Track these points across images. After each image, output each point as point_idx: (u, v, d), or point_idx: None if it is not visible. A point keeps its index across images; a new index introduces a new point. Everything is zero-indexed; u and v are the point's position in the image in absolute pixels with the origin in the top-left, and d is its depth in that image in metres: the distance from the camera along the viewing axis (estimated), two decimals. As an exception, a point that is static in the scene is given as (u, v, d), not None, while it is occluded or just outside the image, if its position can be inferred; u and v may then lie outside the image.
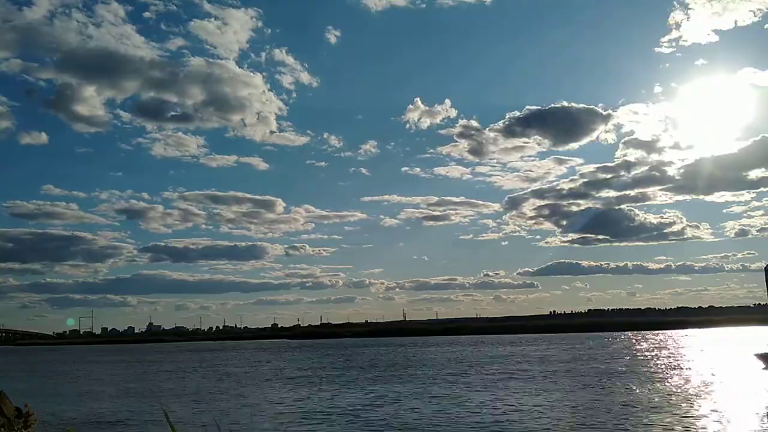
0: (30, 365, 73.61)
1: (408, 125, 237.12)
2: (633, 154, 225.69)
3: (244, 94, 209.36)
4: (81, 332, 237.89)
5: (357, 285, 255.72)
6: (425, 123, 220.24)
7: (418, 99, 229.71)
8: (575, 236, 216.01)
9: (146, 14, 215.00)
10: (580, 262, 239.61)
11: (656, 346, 74.09)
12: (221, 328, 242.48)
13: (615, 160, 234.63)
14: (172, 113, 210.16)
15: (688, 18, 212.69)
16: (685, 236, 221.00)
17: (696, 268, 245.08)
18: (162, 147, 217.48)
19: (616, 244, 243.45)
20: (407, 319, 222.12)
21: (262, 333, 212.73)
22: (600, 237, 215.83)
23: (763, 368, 38.48)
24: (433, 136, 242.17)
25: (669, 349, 66.72)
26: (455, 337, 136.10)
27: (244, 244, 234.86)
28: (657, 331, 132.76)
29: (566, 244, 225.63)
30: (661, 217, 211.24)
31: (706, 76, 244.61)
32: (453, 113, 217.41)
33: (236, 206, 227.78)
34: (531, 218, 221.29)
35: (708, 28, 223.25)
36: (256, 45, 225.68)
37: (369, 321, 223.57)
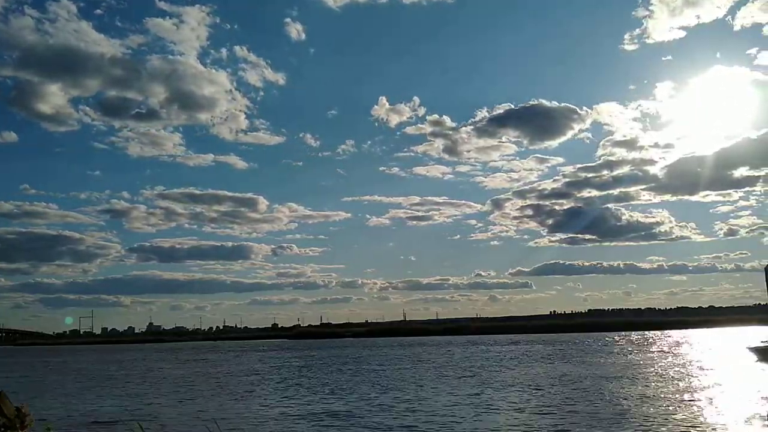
0: (80, 366, 73.01)
1: (377, 124, 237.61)
2: (614, 153, 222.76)
3: (209, 92, 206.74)
4: (81, 332, 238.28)
5: (350, 285, 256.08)
6: (394, 120, 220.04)
7: (383, 98, 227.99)
8: (563, 236, 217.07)
9: (97, 11, 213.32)
10: (571, 262, 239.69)
11: (667, 346, 73.79)
12: (221, 328, 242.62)
13: (596, 159, 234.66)
14: (137, 111, 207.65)
15: (651, 14, 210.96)
16: (673, 236, 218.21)
17: (690, 267, 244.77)
18: (138, 146, 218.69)
19: (606, 244, 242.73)
20: (407, 319, 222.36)
21: (263, 333, 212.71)
22: (588, 237, 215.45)
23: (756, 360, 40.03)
24: (407, 135, 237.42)
25: (680, 349, 66.44)
26: (460, 337, 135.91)
27: (230, 244, 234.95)
28: (659, 331, 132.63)
29: (554, 244, 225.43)
30: (647, 216, 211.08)
31: (677, 74, 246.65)
32: (421, 111, 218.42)
33: (217, 205, 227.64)
34: (515, 218, 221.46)
35: (671, 25, 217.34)
36: (216, 42, 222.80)
37: (369, 321, 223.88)
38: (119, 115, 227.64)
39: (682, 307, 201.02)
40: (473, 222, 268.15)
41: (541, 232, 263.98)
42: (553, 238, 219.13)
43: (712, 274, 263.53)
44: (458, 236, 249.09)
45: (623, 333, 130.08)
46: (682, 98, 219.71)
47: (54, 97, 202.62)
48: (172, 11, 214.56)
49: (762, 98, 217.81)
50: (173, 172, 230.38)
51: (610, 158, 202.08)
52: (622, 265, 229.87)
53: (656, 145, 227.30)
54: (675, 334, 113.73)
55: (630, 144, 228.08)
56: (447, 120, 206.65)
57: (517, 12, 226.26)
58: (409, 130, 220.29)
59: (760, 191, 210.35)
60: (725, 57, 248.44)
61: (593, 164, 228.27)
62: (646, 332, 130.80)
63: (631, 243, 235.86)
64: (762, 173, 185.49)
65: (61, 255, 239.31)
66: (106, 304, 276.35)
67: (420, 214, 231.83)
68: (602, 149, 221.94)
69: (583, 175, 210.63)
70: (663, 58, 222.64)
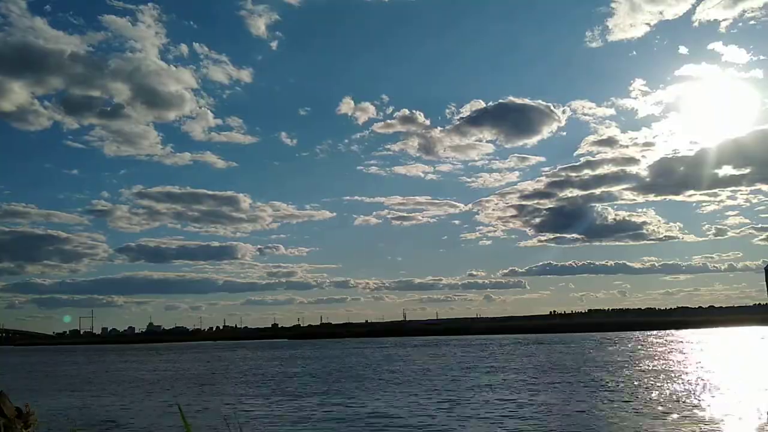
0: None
1: (346, 123, 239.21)
2: (594, 152, 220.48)
3: (174, 90, 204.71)
4: (81, 332, 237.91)
5: (343, 285, 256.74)
6: (362, 118, 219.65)
7: (348, 96, 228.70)
8: (551, 236, 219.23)
9: (47, 7, 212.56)
10: (564, 262, 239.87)
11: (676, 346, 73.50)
12: (221, 328, 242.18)
13: (576, 158, 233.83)
14: (102, 109, 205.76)
15: (614, 11, 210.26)
16: (661, 236, 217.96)
17: (683, 267, 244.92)
18: (114, 145, 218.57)
19: (596, 243, 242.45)
20: (407, 319, 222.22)
21: (263, 333, 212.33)
22: (575, 237, 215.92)
23: None
24: (379, 134, 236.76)
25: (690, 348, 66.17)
26: (464, 337, 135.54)
27: (216, 243, 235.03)
28: (661, 331, 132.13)
29: (542, 244, 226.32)
30: (633, 215, 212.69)
31: (647, 71, 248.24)
32: (390, 109, 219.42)
33: (198, 204, 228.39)
34: (499, 218, 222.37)
35: (633, 21, 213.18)
36: (175, 39, 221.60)
37: (369, 321, 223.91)
38: (84, 113, 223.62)
39: (682, 307, 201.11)
40: (457, 222, 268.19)
41: (527, 232, 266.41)
42: (542, 238, 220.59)
43: (706, 274, 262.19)
44: (446, 236, 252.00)
45: (631, 333, 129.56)
46: (657, 95, 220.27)
47: (17, 95, 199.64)
48: (125, 8, 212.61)
49: (739, 96, 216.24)
50: (150, 171, 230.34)
51: (591, 158, 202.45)
52: (612, 264, 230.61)
53: (636, 144, 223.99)
54: (677, 334, 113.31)
55: (610, 142, 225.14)
56: (419, 116, 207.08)
57: (479, 9, 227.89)
58: (378, 127, 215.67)
59: (747, 191, 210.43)
60: (691, 53, 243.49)
61: (575, 164, 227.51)
62: (647, 332, 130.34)
63: (619, 243, 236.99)
64: (746, 172, 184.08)
65: (49, 255, 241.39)
66: (100, 304, 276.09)
67: (403, 213, 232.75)
68: (582, 148, 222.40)
69: (565, 174, 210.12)
70: (629, 54, 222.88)
